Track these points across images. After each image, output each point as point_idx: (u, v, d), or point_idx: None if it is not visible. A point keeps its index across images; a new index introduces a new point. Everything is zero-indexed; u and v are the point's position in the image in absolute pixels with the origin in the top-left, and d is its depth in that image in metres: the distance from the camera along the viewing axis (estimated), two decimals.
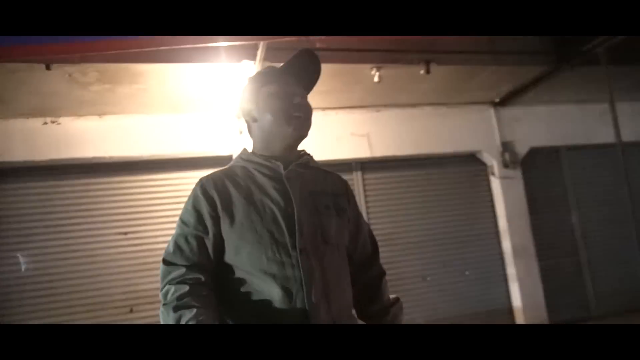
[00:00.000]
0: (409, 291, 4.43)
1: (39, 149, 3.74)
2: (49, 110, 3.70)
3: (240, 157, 1.22)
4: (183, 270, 1.06)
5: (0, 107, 3.50)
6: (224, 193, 1.12)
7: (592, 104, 4.90)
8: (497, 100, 4.79)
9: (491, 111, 4.88)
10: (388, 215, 4.54)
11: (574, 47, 3.70)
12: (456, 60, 3.66)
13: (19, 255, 3.69)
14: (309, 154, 1.23)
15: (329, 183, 1.24)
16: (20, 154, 3.71)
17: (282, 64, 1.22)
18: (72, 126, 3.84)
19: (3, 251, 3.70)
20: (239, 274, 1.09)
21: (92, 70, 3.09)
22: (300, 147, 1.22)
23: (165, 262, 1.10)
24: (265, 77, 1.21)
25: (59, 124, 3.83)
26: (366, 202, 4.50)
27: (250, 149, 1.23)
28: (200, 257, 1.09)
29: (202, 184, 1.14)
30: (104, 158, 3.88)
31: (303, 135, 1.18)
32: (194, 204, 1.12)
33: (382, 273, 1.33)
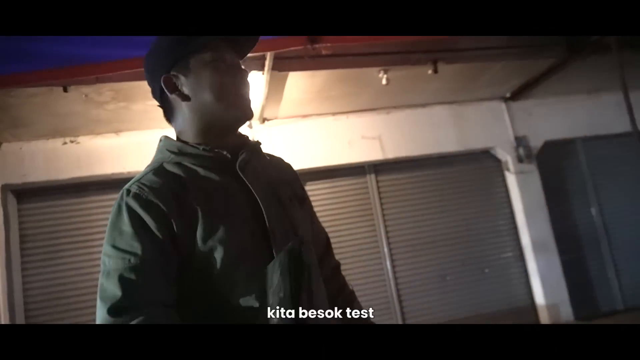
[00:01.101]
0: (429, 291, 4.41)
1: (60, 168, 3.87)
2: (68, 131, 3.82)
3: (166, 149, 0.92)
4: (143, 310, 0.75)
5: (22, 130, 3.65)
6: (171, 200, 0.83)
7: (607, 93, 4.81)
8: (508, 95, 4.74)
9: (503, 106, 4.84)
10: (404, 216, 4.52)
11: (583, 37, 3.65)
12: (464, 57, 3.65)
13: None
14: (256, 140, 0.98)
15: (281, 169, 1.03)
16: (43, 174, 3.84)
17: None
18: (91, 144, 3.96)
19: (31, 268, 3.83)
20: (198, 314, 0.82)
21: (107, 89, 3.18)
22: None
23: (111, 312, 0.74)
24: (191, 39, 0.91)
25: (78, 143, 3.96)
26: (381, 204, 4.50)
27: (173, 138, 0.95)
28: (162, 293, 0.79)
29: (135, 194, 0.83)
30: (122, 174, 3.98)
31: (249, 117, 0.95)
32: (132, 223, 0.81)
33: (339, 264, 1.14)
